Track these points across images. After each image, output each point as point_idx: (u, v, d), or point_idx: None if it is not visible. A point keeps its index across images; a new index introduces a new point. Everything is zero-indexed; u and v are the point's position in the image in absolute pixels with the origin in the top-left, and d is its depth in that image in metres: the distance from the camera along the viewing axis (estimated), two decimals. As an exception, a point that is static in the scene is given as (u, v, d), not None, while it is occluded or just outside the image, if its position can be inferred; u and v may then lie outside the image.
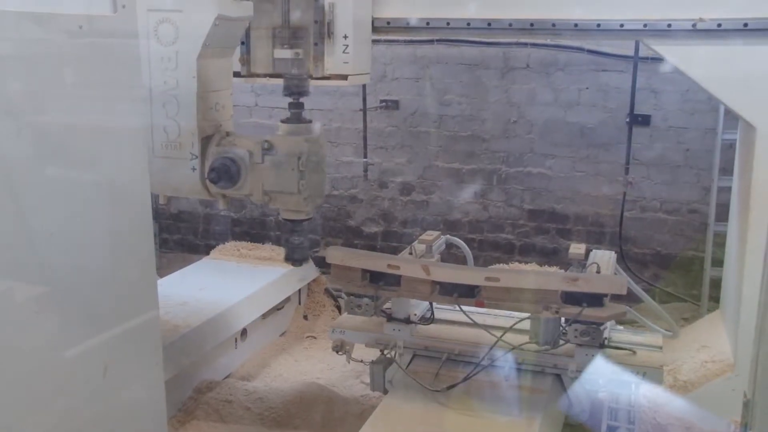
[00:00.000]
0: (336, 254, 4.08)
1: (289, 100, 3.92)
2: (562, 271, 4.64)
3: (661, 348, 4.03)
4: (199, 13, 3.74)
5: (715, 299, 5.71)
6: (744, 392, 2.43)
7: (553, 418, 3.81)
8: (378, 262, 4.00)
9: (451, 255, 5.66)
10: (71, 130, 2.61)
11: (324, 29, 4.27)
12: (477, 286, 3.83)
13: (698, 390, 4.35)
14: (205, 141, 3.96)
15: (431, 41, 6.87)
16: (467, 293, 3.85)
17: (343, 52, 4.30)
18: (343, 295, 4.15)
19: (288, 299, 6.06)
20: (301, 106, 3.95)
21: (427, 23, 4.56)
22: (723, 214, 5.55)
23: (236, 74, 4.37)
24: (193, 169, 3.95)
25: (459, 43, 6.84)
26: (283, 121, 3.96)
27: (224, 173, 3.87)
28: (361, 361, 4.37)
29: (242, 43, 4.38)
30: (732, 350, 4.44)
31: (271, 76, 4.41)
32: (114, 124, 2.79)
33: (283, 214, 4.05)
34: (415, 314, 4.28)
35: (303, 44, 4.32)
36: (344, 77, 4.34)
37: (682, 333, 4.90)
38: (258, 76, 4.44)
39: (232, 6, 3.84)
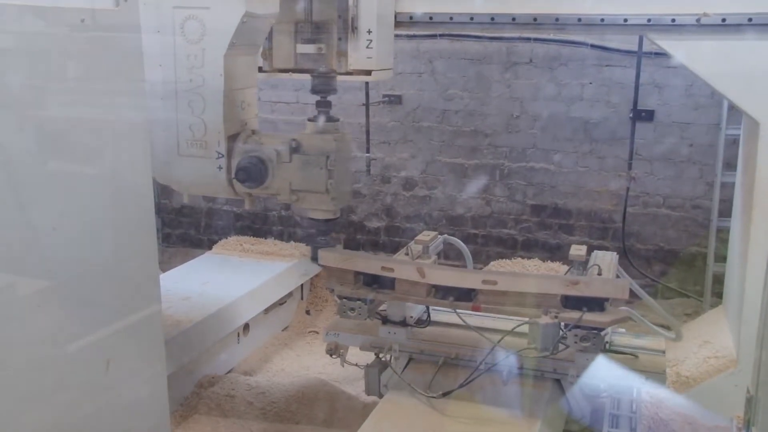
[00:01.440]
0: (329, 256, 3.98)
1: (317, 98, 3.92)
2: (565, 267, 4.58)
3: (663, 352, 3.96)
4: (226, 10, 3.72)
5: (718, 295, 5.70)
6: (747, 388, 2.42)
7: (552, 425, 3.74)
8: (372, 264, 3.91)
9: (452, 253, 5.65)
10: (73, 124, 2.61)
11: (348, 24, 4.24)
12: (474, 290, 3.74)
13: (700, 386, 4.34)
14: (231, 139, 3.95)
15: (434, 36, 6.85)
16: (464, 297, 3.75)
17: (367, 47, 4.25)
18: (336, 298, 4.05)
19: (290, 294, 6.05)
20: (328, 104, 3.94)
21: (431, 18, 4.54)
22: (726, 209, 5.53)
23: (258, 69, 4.35)
24: (219, 167, 3.94)
25: (462, 38, 6.82)
26: (310, 120, 3.95)
27: (252, 172, 3.87)
28: (356, 365, 4.29)
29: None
30: (734, 346, 4.43)
31: (294, 71, 4.38)
32: (116, 118, 2.79)
33: (310, 213, 4.04)
34: (411, 317, 4.18)
35: (326, 39, 4.28)
36: (368, 73, 4.30)
37: (684, 328, 4.89)
38: (280, 71, 4.40)
39: (259, 3, 3.82)
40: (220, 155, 3.93)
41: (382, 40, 4.34)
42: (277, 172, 3.92)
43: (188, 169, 4.00)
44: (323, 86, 3.89)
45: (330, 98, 4.02)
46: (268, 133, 4.03)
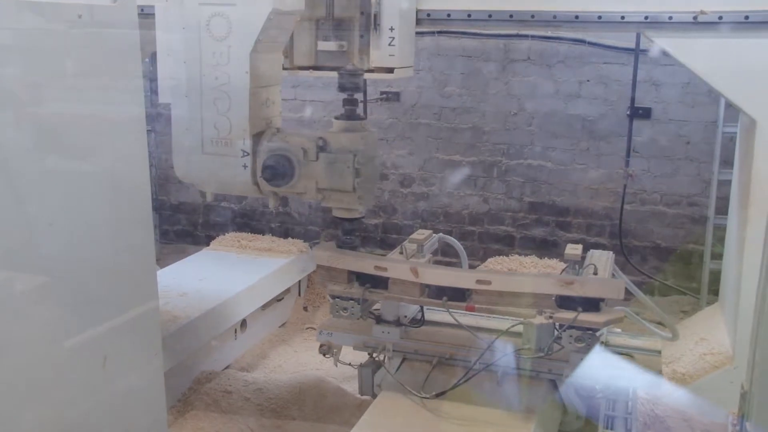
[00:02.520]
0: (322, 254, 3.96)
1: (344, 96, 3.89)
2: (562, 264, 4.57)
3: (659, 352, 3.94)
4: (253, 6, 3.70)
5: (715, 292, 5.70)
6: (741, 384, 2.43)
7: (547, 426, 3.72)
8: (365, 264, 3.88)
9: (449, 250, 5.66)
10: (70, 119, 2.61)
11: (370, 21, 4.19)
12: (468, 290, 3.72)
13: (697, 382, 4.34)
14: (256, 138, 3.93)
15: (432, 33, 6.85)
16: (457, 297, 3.73)
17: (389, 44, 4.22)
18: (329, 297, 4.02)
19: (288, 290, 6.05)
20: (355, 102, 3.91)
21: (428, 15, 4.52)
22: (723, 207, 5.54)
23: None
24: (245, 166, 3.92)
25: (459, 35, 6.82)
26: (337, 118, 3.93)
27: (278, 171, 3.85)
28: (350, 364, 4.27)
29: None
30: (731, 343, 4.43)
31: (314, 68, 4.34)
32: (113, 114, 2.79)
33: (335, 212, 4.02)
34: (405, 316, 4.16)
35: (347, 36, 4.25)
36: (390, 70, 4.27)
37: (681, 326, 4.90)
38: (301, 68, 4.36)
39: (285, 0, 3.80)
40: (245, 153, 3.90)
41: (404, 38, 4.29)
42: (303, 171, 3.90)
43: (212, 167, 3.97)
44: (350, 84, 3.86)
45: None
46: (293, 131, 4.00)
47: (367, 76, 4.21)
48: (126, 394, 2.97)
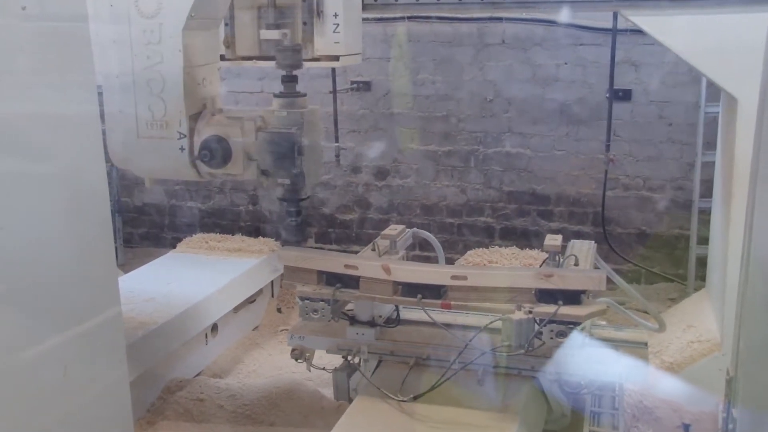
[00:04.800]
0: (289, 255, 3.88)
1: (282, 73, 3.88)
2: (544, 254, 4.57)
3: (646, 344, 3.96)
4: None
5: (702, 278, 5.76)
6: (727, 369, 2.45)
7: (531, 424, 3.72)
8: (334, 263, 3.81)
9: (426, 245, 5.66)
10: (17, 117, 2.57)
11: (313, 8, 4.18)
12: (443, 286, 3.66)
13: (685, 371, 4.38)
14: (193, 118, 3.91)
15: (402, 18, 6.85)
16: (433, 294, 3.66)
17: (334, 31, 4.21)
18: (298, 299, 3.94)
19: (260, 291, 6.03)
20: (294, 78, 3.90)
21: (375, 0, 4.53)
22: (708, 190, 5.58)
23: (221, 58, 4.30)
24: (182, 148, 3.90)
25: (431, 20, 6.82)
26: (276, 96, 3.91)
27: (216, 152, 3.83)
28: (324, 369, 4.20)
29: (226, 24, 4.30)
30: (719, 329, 4.47)
31: (258, 58, 4.33)
32: (65, 110, 2.75)
33: (278, 193, 4.00)
34: (380, 316, 4.08)
35: (290, 24, 4.23)
36: (335, 58, 4.26)
37: (668, 313, 4.94)
38: (244, 59, 4.35)
39: None
40: (182, 135, 3.88)
41: (350, 24, 4.29)
42: (242, 152, 3.88)
43: (149, 151, 3.94)
44: (288, 60, 3.86)
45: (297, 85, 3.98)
46: (232, 111, 3.99)
47: (311, 65, 4.22)
48: (89, 406, 2.94)
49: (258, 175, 3.93)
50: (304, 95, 3.91)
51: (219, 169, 3.91)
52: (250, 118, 3.89)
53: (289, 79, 3.90)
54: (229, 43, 4.32)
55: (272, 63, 4.06)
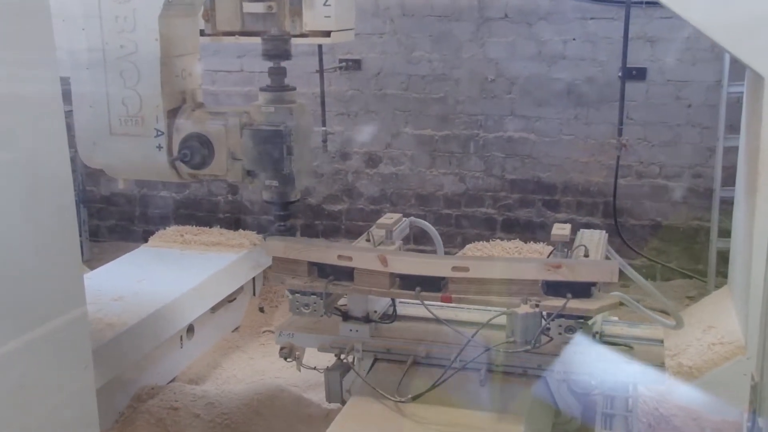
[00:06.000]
0: (276, 245, 3.90)
1: (269, 64, 3.86)
2: (549, 248, 4.58)
3: (662, 342, 3.97)
4: None
5: (724, 274, 5.75)
6: (752, 374, 2.42)
7: (538, 428, 3.74)
8: (326, 253, 3.84)
9: (422, 237, 5.64)
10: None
11: None
12: (443, 278, 3.69)
13: (705, 376, 4.37)
14: (171, 114, 3.90)
15: (396, -10, 6.83)
16: (432, 286, 3.70)
17: (324, 4, 4.19)
18: (288, 293, 3.98)
19: (241, 289, 6.03)
20: (282, 71, 3.88)
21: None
22: (730, 177, 5.57)
23: (200, 33, 4.28)
24: (159, 147, 3.88)
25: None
26: (263, 90, 3.89)
27: (197, 151, 3.82)
28: (315, 368, 4.22)
29: None
30: (742, 330, 4.46)
31: (241, 34, 4.27)
32: (22, 91, 2.71)
33: (265, 196, 3.99)
34: (376, 311, 4.13)
35: None
36: (326, 34, 4.23)
37: (686, 313, 4.92)
38: (225, 34, 4.32)
39: None
40: (160, 133, 3.87)
41: None
42: (226, 151, 3.87)
43: (123, 150, 3.94)
44: (276, 51, 3.83)
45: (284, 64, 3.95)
46: (214, 107, 3.98)
47: (300, 41, 4.18)
48: (50, 417, 2.92)
49: (243, 176, 3.92)
50: (294, 89, 3.90)
51: (200, 170, 3.90)
52: (234, 113, 3.87)
53: (277, 72, 3.88)
54: (209, 16, 4.27)
55: (256, 39, 4.04)
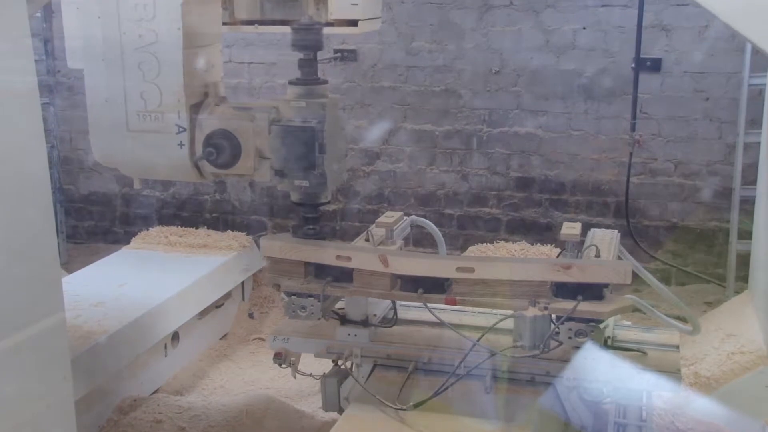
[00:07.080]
0: (272, 245, 3.92)
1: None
2: (557, 250, 4.60)
3: (677, 347, 3.99)
4: None
5: (744, 279, 5.75)
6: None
7: None
8: (324, 253, 3.86)
9: (422, 237, 5.64)
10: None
11: None
12: (447, 280, 3.71)
13: (724, 387, 4.37)
14: (194, 109, 3.88)
15: (394, -24, 6.83)
16: (435, 288, 3.72)
17: None
18: (283, 295, 3.99)
19: (229, 294, 6.03)
20: (313, 63, 3.85)
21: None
22: (751, 175, 5.58)
23: None
24: (181, 144, 3.86)
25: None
26: (292, 83, 3.86)
27: (223, 149, 3.81)
28: (311, 375, 4.25)
29: None
30: (764, 339, 4.47)
31: (261, 22, 4.27)
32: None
33: (294, 197, 3.96)
34: (375, 315, 4.16)
35: None
36: (353, 23, 4.21)
37: (704, 319, 4.92)
38: (244, 23, 4.30)
39: None
40: (181, 129, 3.84)
41: None
42: (253, 148, 3.85)
43: (141, 147, 3.91)
44: (307, 41, 3.79)
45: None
46: (239, 102, 3.96)
47: (326, 31, 4.15)
48: (27, 429, 2.90)
49: (271, 176, 3.90)
50: (326, 82, 3.87)
51: (226, 169, 3.88)
52: (263, 108, 3.85)
53: (308, 64, 3.84)
54: (227, 4, 4.26)
55: (277, 28, 4.02)
